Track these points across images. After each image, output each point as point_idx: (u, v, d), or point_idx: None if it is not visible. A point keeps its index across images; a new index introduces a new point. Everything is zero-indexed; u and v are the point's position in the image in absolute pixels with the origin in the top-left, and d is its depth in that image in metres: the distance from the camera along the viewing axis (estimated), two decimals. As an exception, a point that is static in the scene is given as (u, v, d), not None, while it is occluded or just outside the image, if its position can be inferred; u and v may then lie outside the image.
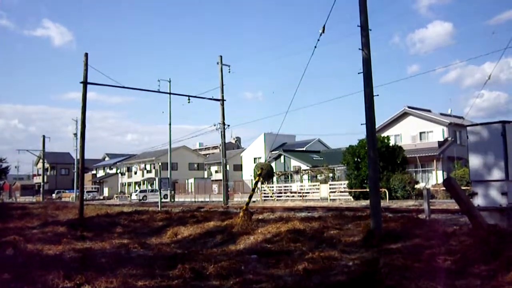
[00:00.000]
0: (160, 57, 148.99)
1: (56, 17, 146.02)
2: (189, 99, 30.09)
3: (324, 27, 10.37)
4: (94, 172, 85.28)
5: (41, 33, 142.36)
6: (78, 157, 28.04)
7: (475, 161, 9.68)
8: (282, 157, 48.72)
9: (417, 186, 26.67)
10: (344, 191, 29.87)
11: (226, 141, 32.08)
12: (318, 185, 33.88)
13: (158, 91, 31.47)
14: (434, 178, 33.33)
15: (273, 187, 37.51)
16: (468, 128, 10.04)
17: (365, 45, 9.87)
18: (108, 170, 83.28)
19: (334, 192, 30.71)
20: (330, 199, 29.30)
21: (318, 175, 39.94)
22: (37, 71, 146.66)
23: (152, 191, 51.55)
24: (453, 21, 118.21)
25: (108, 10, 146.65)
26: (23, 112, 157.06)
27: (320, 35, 10.50)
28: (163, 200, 32.01)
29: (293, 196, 33.83)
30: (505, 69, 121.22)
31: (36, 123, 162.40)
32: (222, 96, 29.87)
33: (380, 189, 14.20)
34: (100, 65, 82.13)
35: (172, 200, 41.64)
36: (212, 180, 60.53)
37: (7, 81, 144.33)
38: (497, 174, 9.22)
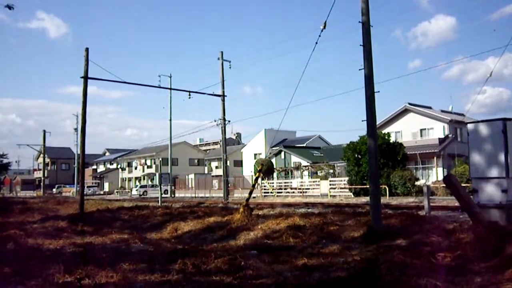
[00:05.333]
0: (161, 52, 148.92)
1: (50, 8, 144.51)
2: (189, 95, 30.07)
3: (325, 23, 10.37)
4: (94, 167, 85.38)
5: (36, 25, 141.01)
6: (79, 152, 28.04)
7: (475, 158, 9.68)
8: (282, 153, 48.69)
9: (417, 183, 26.66)
10: (345, 188, 29.86)
11: (227, 137, 32.07)
12: (319, 181, 33.87)
13: (159, 87, 31.52)
14: (435, 175, 33.32)
15: (273, 183, 37.52)
16: (469, 125, 10.01)
17: (366, 41, 9.86)
18: (108, 165, 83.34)
19: (335, 188, 30.70)
20: (330, 195, 29.33)
21: (318, 171, 39.96)
22: (35, 64, 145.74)
23: (152, 186, 51.62)
24: (456, 16, 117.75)
25: (106, 2, 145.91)
26: (22, 106, 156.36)
27: (322, 31, 10.51)
28: (164, 195, 32.05)
29: (293, 192, 33.82)
30: (509, 65, 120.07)
31: (35, 118, 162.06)
32: (223, 92, 29.83)
33: (380, 186, 14.20)
34: (99, 59, 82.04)
35: (173, 195, 41.67)
36: (213, 176, 60.52)
37: (6, 75, 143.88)
38: (497, 171, 9.22)
